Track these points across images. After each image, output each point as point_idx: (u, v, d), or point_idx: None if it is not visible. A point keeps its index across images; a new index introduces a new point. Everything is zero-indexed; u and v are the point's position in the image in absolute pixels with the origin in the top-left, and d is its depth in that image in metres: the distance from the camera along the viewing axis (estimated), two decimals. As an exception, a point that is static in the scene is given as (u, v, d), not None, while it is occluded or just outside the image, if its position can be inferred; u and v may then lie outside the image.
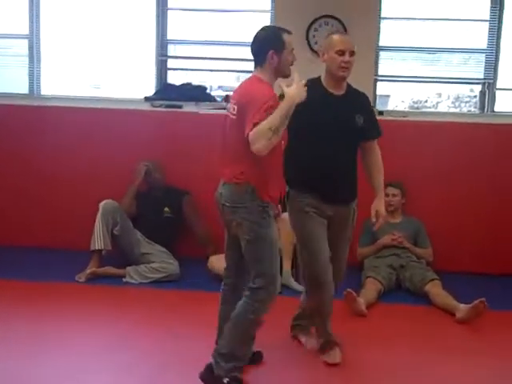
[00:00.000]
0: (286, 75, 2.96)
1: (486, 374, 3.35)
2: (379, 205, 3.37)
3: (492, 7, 5.38)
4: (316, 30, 5.21)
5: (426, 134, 5.11)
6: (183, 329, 3.77)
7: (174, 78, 5.76)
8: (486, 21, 5.41)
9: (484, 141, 5.06)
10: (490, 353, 3.62)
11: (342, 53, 3.16)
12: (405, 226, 4.93)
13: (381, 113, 5.29)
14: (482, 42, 5.45)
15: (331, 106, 3.22)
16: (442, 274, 4.70)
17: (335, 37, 3.24)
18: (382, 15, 5.41)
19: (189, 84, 5.61)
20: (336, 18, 5.19)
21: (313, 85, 3.13)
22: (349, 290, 4.03)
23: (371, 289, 4.35)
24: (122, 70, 5.75)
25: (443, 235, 5.00)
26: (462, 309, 4.02)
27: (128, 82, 5.79)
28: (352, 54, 3.19)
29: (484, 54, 5.44)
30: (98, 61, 5.75)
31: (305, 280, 3.40)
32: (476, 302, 3.95)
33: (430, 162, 5.09)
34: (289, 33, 2.95)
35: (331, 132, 3.21)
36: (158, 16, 5.60)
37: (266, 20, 5.37)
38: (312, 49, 5.24)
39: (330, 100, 3.23)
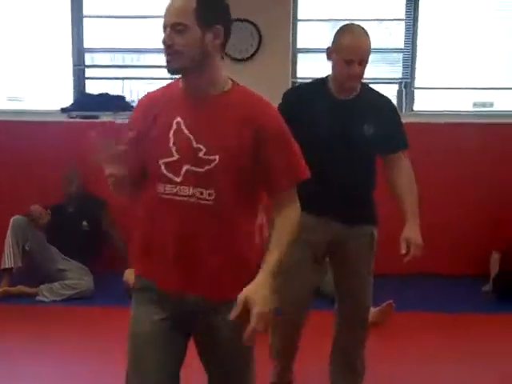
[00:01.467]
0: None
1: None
2: (409, 232, 2.65)
3: (407, 6, 5.38)
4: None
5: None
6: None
7: (98, 88, 5.64)
8: (402, 20, 5.41)
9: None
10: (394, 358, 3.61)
11: (349, 62, 2.61)
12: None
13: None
14: (399, 42, 5.45)
15: (333, 113, 2.71)
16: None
17: (346, 40, 2.64)
18: (299, 17, 5.39)
19: (107, 94, 5.52)
20: (250, 22, 5.13)
21: (316, 87, 2.80)
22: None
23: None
24: (39, 80, 5.62)
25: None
26: (371, 312, 3.99)
27: (46, 92, 5.66)
28: (362, 63, 2.63)
29: (401, 54, 5.44)
30: (14, 72, 5.62)
31: None
32: (384, 304, 3.93)
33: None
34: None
35: (332, 144, 2.69)
36: (73, 24, 5.49)
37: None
38: (227, 53, 5.17)
39: (333, 105, 2.72)
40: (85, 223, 4.94)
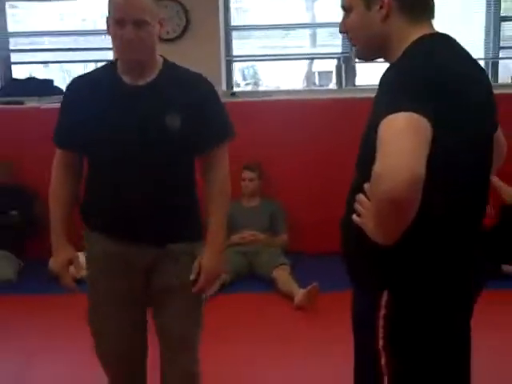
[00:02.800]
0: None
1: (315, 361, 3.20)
2: (209, 261, 2.18)
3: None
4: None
5: (282, 112, 4.94)
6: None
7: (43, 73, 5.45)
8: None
9: (343, 115, 4.90)
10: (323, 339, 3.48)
11: (120, 22, 2.00)
12: (262, 210, 4.77)
13: (233, 94, 5.12)
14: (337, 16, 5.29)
15: (123, 105, 2.11)
16: (301, 256, 4.57)
17: None
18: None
19: (34, 78, 5.33)
20: (176, 1, 4.94)
21: (103, 73, 2.21)
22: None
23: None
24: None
25: (299, 215, 4.85)
26: (298, 294, 3.86)
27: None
28: (140, 24, 1.99)
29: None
30: None
31: None
32: (310, 286, 3.80)
33: (286, 140, 4.91)
34: None
35: (124, 146, 2.09)
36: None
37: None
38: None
39: (122, 95, 2.12)
40: (14, 212, 4.77)
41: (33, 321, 3.85)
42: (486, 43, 5.17)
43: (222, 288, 4.11)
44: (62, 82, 5.52)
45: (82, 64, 5.69)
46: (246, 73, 5.80)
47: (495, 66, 5.22)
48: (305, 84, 5.68)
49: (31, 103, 5.10)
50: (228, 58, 5.25)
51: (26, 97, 5.14)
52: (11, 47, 5.42)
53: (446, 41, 1.61)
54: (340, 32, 1.71)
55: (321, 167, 4.90)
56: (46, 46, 5.71)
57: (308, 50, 5.40)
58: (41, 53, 5.63)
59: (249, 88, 5.67)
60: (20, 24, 5.41)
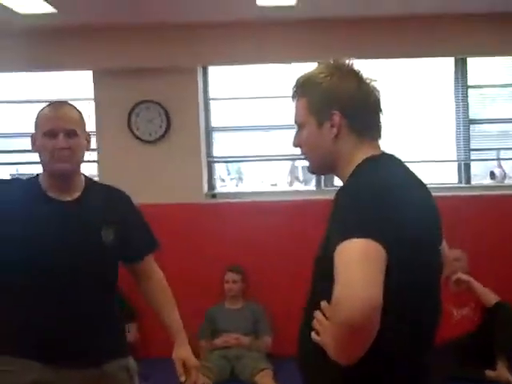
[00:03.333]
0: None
1: None
2: (185, 352, 2.28)
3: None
4: (137, 115, 5.06)
5: (263, 213, 4.96)
6: None
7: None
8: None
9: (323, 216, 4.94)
10: None
11: (51, 133, 2.09)
12: (245, 313, 4.71)
13: (214, 195, 5.17)
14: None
15: (55, 221, 2.11)
16: (285, 360, 4.46)
17: (43, 112, 2.17)
18: (211, 96, 5.34)
19: None
20: (157, 103, 5.05)
21: (29, 186, 2.19)
22: None
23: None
24: None
25: (282, 318, 4.78)
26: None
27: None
28: (71, 134, 2.11)
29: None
30: None
31: None
32: None
33: (268, 242, 4.91)
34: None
35: (55, 265, 2.07)
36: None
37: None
38: (135, 135, 5.08)
39: (53, 211, 2.12)
40: None
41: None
42: (458, 146, 5.27)
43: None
44: None
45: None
46: (229, 168, 5.88)
47: (467, 167, 5.30)
48: (288, 179, 5.75)
49: None
50: (209, 159, 5.31)
51: None
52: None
53: (392, 160, 1.66)
54: (293, 146, 1.75)
55: (304, 270, 4.86)
56: None
57: (291, 147, 5.45)
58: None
59: (233, 183, 5.73)
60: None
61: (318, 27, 4.75)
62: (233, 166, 5.84)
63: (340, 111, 1.60)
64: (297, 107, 1.68)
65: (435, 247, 1.65)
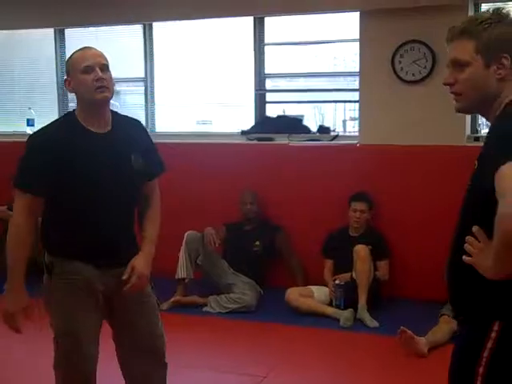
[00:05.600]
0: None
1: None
2: (140, 260, 2.56)
3: None
4: (402, 56, 5.06)
5: None
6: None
7: (276, 111, 5.91)
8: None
9: None
10: None
11: (89, 69, 2.42)
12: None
13: (476, 139, 5.01)
14: None
15: (97, 150, 2.47)
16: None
17: (76, 54, 2.49)
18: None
19: (284, 116, 5.74)
20: (423, 43, 4.99)
21: (66, 125, 2.52)
22: (403, 327, 3.85)
23: (442, 328, 4.09)
24: (225, 104, 6.03)
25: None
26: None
27: (231, 116, 6.05)
28: (104, 68, 2.44)
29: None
30: (203, 97, 6.08)
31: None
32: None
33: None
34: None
35: (103, 186, 2.46)
36: (255, 52, 5.78)
37: (355, 49, 5.34)
38: (398, 76, 5.09)
39: (93, 141, 2.47)
40: (257, 243, 5.19)
41: (268, 347, 4.13)
42: None
43: (452, 337, 4.07)
44: (311, 120, 5.89)
45: (333, 104, 5.98)
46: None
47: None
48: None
49: (280, 140, 5.50)
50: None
51: (276, 134, 5.57)
52: (268, 87, 5.90)
53: None
54: (445, 84, 1.84)
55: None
56: (299, 86, 6.13)
57: None
58: (294, 93, 6.05)
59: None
60: (276, 66, 5.86)
61: None
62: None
63: (509, 55, 1.74)
64: (460, 47, 1.78)
65: None
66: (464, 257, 1.70)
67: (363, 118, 5.29)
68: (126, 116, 2.68)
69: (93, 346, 2.55)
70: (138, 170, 2.55)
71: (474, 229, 1.68)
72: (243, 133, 5.70)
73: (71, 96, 6.24)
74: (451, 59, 1.81)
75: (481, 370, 1.72)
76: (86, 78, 2.42)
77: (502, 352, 1.71)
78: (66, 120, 2.58)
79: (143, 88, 6.24)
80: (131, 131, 2.59)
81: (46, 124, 2.58)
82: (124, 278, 2.50)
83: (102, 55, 2.49)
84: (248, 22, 5.73)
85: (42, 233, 2.55)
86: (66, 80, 2.52)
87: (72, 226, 2.48)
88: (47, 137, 2.48)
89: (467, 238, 1.70)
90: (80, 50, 2.51)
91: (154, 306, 2.65)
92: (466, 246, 1.70)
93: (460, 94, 1.80)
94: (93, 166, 2.44)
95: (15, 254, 2.41)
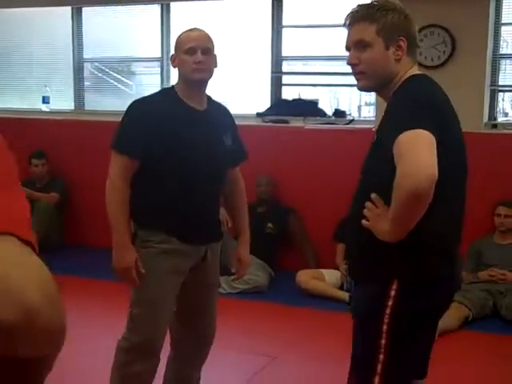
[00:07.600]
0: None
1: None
2: (241, 251, 2.74)
3: None
4: (421, 40, 5.00)
5: None
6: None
7: (291, 93, 5.89)
8: None
9: None
10: None
11: (191, 51, 2.50)
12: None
13: (494, 126, 4.97)
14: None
15: (195, 125, 2.53)
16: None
17: (183, 36, 2.58)
18: (503, 21, 5.04)
19: (299, 99, 5.71)
20: (443, 28, 4.93)
21: (167, 97, 2.58)
22: None
23: (452, 314, 4.08)
24: (241, 86, 6.01)
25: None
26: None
27: (247, 97, 6.03)
28: (206, 51, 2.52)
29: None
30: (219, 79, 6.06)
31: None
32: None
33: None
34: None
35: (199, 161, 2.52)
36: (273, 34, 5.76)
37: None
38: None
39: (192, 116, 2.55)
40: (270, 225, 5.19)
41: (278, 328, 4.15)
42: None
43: (462, 323, 4.06)
44: (327, 104, 5.85)
45: (348, 89, 5.94)
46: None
47: None
48: None
49: (296, 123, 5.48)
50: (492, 88, 5.09)
51: (291, 116, 5.55)
52: (284, 70, 5.87)
53: (430, 78, 2.06)
54: (349, 64, 2.02)
55: None
56: (316, 69, 6.09)
57: None
58: (310, 76, 6.01)
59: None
60: (294, 49, 5.82)
61: None
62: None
63: (405, 37, 1.94)
64: (363, 30, 1.95)
65: (464, 148, 2.01)
66: (363, 221, 1.86)
67: (380, 103, 5.24)
68: (217, 101, 2.75)
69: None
70: (229, 152, 2.62)
71: (373, 195, 1.85)
72: (259, 115, 5.68)
73: (86, 74, 6.29)
74: (355, 40, 1.98)
75: (384, 327, 1.90)
76: (187, 59, 2.51)
77: (402, 308, 1.89)
78: (166, 93, 2.68)
79: (159, 68, 6.24)
80: (222, 114, 2.69)
81: (146, 95, 2.70)
82: (233, 271, 2.75)
83: (206, 38, 2.56)
84: (266, 3, 5.71)
85: (131, 204, 2.54)
86: (172, 56, 2.63)
87: (162, 196, 2.53)
88: (149, 104, 2.57)
89: (366, 203, 1.87)
90: (188, 30, 2.61)
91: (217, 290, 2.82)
92: (365, 212, 1.86)
93: (364, 72, 1.99)
94: (190, 138, 2.51)
95: (118, 214, 2.47)
